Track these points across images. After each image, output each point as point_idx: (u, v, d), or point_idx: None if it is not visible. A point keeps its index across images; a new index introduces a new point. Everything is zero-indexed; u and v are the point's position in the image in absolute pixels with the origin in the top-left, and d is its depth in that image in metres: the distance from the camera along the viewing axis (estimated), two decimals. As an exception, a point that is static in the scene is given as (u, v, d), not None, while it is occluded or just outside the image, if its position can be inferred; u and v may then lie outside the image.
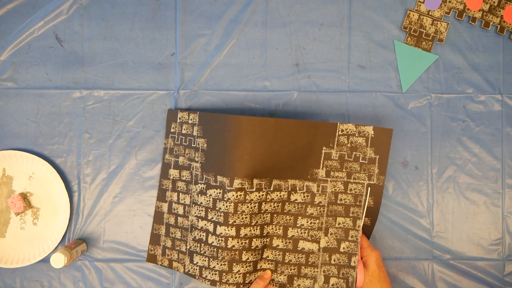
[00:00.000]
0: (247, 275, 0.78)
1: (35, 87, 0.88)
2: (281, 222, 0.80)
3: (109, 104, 0.89)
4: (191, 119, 0.83)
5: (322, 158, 0.79)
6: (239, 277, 0.77)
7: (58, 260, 0.78)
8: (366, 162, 0.79)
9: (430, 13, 0.88)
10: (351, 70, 0.88)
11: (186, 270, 0.81)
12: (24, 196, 0.87)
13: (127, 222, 0.88)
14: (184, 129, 0.83)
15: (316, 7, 0.89)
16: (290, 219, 0.80)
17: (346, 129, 0.79)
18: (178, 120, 0.84)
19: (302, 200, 0.80)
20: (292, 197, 0.79)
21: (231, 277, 0.77)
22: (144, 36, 0.89)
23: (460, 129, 0.88)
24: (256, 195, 0.76)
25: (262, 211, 0.77)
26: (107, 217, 0.88)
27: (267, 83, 0.88)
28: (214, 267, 0.77)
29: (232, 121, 0.75)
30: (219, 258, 0.76)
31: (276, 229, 0.80)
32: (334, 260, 0.80)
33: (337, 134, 0.78)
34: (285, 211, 0.80)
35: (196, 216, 0.79)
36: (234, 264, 0.76)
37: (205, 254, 0.78)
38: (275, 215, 0.79)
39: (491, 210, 0.88)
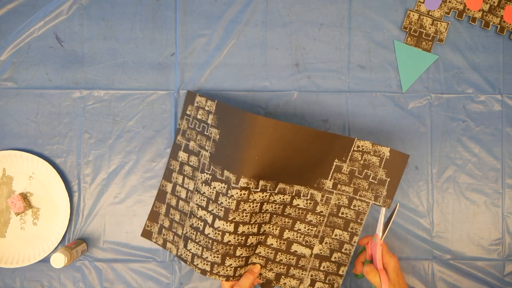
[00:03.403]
0: (238, 268, 0.78)
1: (35, 87, 0.88)
2: (279, 223, 0.80)
3: (109, 104, 0.89)
4: (208, 106, 0.81)
5: (332, 170, 0.78)
6: (230, 270, 0.77)
7: (58, 260, 0.78)
8: (375, 182, 0.78)
9: (430, 13, 0.88)
10: (351, 70, 0.88)
11: (179, 254, 0.81)
12: (24, 196, 0.87)
13: (127, 222, 0.88)
14: (200, 115, 0.82)
15: (316, 7, 0.89)
16: (288, 222, 0.80)
17: (362, 146, 0.77)
18: (195, 104, 0.83)
19: (304, 206, 0.79)
20: (295, 202, 0.79)
21: (222, 269, 0.77)
22: (144, 36, 0.89)
23: (460, 129, 0.88)
24: (259, 195, 0.75)
25: (263, 211, 0.77)
26: (107, 217, 0.88)
27: (267, 83, 0.88)
28: (207, 257, 0.77)
29: (249, 120, 0.72)
30: (213, 250, 0.76)
31: (273, 229, 0.80)
32: (324, 267, 0.81)
33: (352, 149, 0.77)
34: (285, 213, 0.79)
35: (197, 204, 0.79)
36: (227, 258, 0.76)
37: (199, 243, 0.77)
38: (274, 216, 0.79)
39: (491, 210, 0.88)
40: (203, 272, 0.77)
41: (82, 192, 0.88)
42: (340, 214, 0.80)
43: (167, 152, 0.88)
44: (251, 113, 0.72)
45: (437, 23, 0.88)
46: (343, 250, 0.81)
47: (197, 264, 0.78)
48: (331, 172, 0.78)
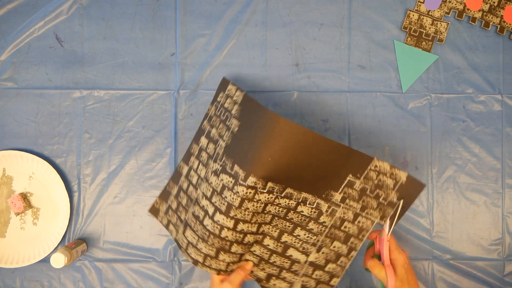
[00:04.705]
0: (231, 264, 0.77)
1: (35, 87, 0.88)
2: (279, 225, 0.78)
3: (109, 104, 0.89)
4: (236, 96, 0.78)
5: (344, 184, 0.75)
6: (223, 264, 0.76)
7: (58, 260, 0.78)
8: (385, 203, 0.76)
9: (430, 13, 0.88)
10: (351, 70, 0.88)
11: (176, 238, 0.80)
12: (24, 196, 0.87)
13: (127, 222, 0.88)
14: (227, 103, 0.79)
15: (316, 7, 0.89)
16: (289, 226, 0.79)
17: (379, 166, 0.74)
18: (226, 92, 0.80)
19: (308, 214, 0.77)
20: (299, 208, 0.77)
21: (215, 262, 0.76)
22: (144, 36, 0.89)
23: (460, 129, 0.88)
24: (265, 197, 0.73)
25: (265, 212, 0.76)
26: (107, 217, 0.88)
27: (267, 83, 0.88)
28: (201, 248, 0.75)
29: (270, 118, 0.69)
30: (209, 243, 0.75)
31: (272, 230, 0.79)
32: (316, 275, 0.81)
33: (369, 167, 0.74)
34: (288, 217, 0.78)
35: (202, 192, 0.77)
36: (222, 252, 0.75)
37: (197, 233, 0.76)
38: (276, 218, 0.78)
39: (491, 210, 0.88)
40: (195, 262, 0.76)
41: (82, 192, 0.88)
42: (342, 228, 0.78)
43: (167, 152, 0.88)
44: (273, 112, 0.69)
45: (437, 23, 0.88)
46: (338, 262, 0.80)
47: (190, 253, 0.77)
48: (342, 186, 0.75)
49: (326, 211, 0.77)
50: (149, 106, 0.88)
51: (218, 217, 0.74)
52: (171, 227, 0.83)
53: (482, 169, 0.88)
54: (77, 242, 0.85)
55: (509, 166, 0.88)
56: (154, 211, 0.86)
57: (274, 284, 0.81)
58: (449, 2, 0.88)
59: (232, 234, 0.74)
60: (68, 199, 0.86)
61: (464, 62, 0.88)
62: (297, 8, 0.89)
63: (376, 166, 0.74)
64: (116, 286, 0.87)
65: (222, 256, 0.76)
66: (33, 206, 0.88)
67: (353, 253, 0.79)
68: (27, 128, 0.88)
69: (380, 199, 0.76)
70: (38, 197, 0.88)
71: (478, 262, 0.87)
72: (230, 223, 0.73)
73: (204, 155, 0.81)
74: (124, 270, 0.88)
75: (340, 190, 0.76)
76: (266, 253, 0.80)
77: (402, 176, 0.75)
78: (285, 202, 0.76)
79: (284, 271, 0.80)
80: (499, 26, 0.88)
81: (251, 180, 0.71)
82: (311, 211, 0.77)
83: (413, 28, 0.88)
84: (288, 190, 0.74)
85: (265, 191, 0.72)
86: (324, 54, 0.88)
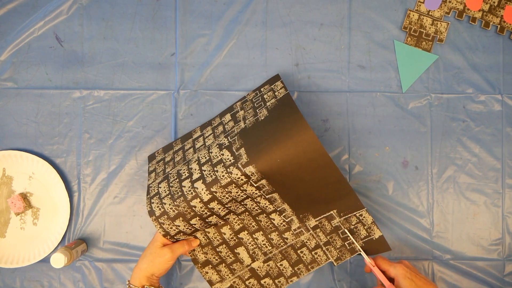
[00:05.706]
0: (181, 233, 0.77)
1: (35, 87, 0.88)
2: (245, 221, 0.79)
3: (109, 104, 0.89)
4: (277, 92, 0.78)
5: (324, 216, 0.77)
6: (174, 230, 0.76)
7: (58, 260, 0.78)
8: (347, 247, 0.79)
9: (430, 13, 0.88)
10: (351, 70, 0.88)
11: (149, 185, 0.80)
12: (24, 196, 0.87)
13: (127, 222, 0.88)
14: (267, 95, 0.79)
15: (316, 7, 0.89)
16: (253, 226, 0.80)
17: (363, 216, 0.77)
18: (272, 86, 0.81)
19: (277, 224, 0.79)
20: (272, 215, 0.78)
21: (169, 224, 0.75)
22: (144, 36, 0.89)
23: (460, 129, 0.88)
24: (251, 190, 0.73)
25: (242, 203, 0.76)
26: (107, 217, 0.88)
27: (267, 83, 0.88)
28: (165, 204, 0.75)
29: (299, 125, 0.69)
30: (175, 203, 0.74)
31: (235, 222, 0.79)
32: (249, 283, 0.82)
33: (355, 213, 0.77)
34: (257, 218, 0.79)
35: (198, 157, 0.77)
36: (181, 218, 0.75)
37: (170, 188, 0.76)
38: (246, 213, 0.78)
39: (491, 210, 0.88)
40: (151, 213, 0.75)
41: (82, 192, 0.88)
42: (299, 251, 0.80)
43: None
44: (305, 121, 0.69)
45: (437, 23, 0.88)
46: (276, 281, 0.82)
47: (153, 202, 0.76)
48: (321, 216, 0.77)
49: (295, 230, 0.79)
50: (149, 106, 0.88)
51: (199, 185, 0.73)
52: (152, 174, 0.83)
53: (482, 169, 0.88)
54: (77, 242, 0.85)
55: (509, 166, 0.88)
56: (151, 157, 0.87)
57: (207, 272, 0.82)
58: (449, 2, 0.88)
59: (201, 207, 0.74)
60: (68, 199, 0.86)
61: (464, 62, 0.88)
62: (297, 8, 0.89)
63: (361, 215, 0.77)
64: (116, 286, 0.87)
65: (178, 222, 0.75)
66: (33, 206, 0.88)
67: (294, 279, 0.81)
68: (27, 128, 0.88)
69: (346, 243, 0.79)
70: (38, 197, 0.88)
71: (478, 262, 0.87)
72: (206, 197, 0.73)
73: (220, 128, 0.81)
74: (124, 270, 0.88)
75: (318, 218, 0.78)
76: (217, 240, 0.80)
77: (377, 233, 0.78)
78: (265, 204, 0.76)
79: (223, 264, 0.81)
80: (499, 26, 0.88)
81: (249, 169, 0.70)
82: (281, 223, 0.79)
83: (413, 28, 0.88)
84: (275, 195, 0.75)
85: (255, 185, 0.72)
86: (324, 54, 0.88)
